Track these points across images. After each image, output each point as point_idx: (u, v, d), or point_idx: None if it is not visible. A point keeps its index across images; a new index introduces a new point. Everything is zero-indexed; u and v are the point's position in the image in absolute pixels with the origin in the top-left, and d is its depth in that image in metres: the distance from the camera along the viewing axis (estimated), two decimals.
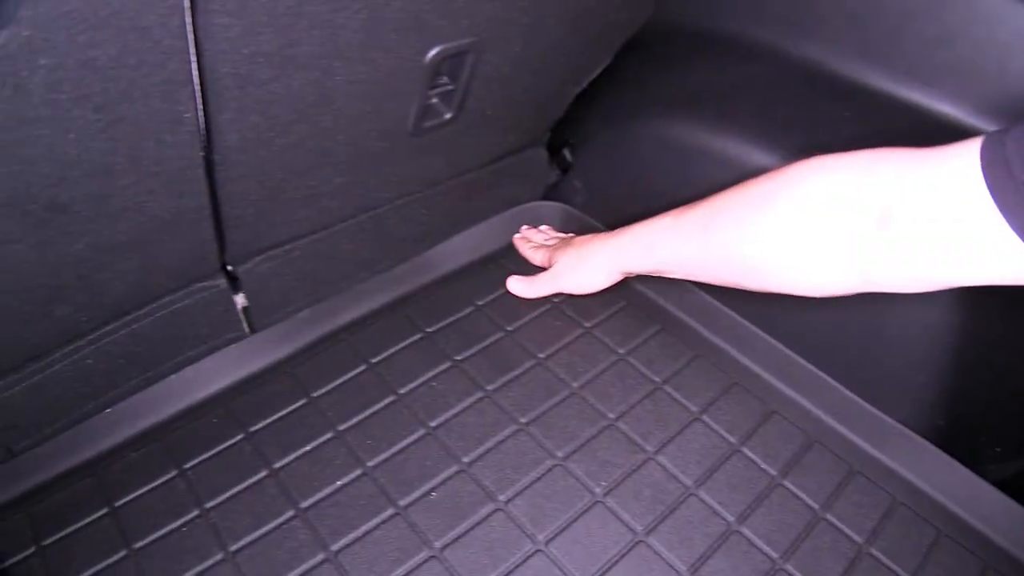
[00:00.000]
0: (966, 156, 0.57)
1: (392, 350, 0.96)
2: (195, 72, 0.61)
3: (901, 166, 0.63)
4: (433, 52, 0.77)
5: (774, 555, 0.78)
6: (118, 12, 0.51)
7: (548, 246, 1.07)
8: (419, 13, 0.71)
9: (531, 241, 1.12)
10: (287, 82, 0.68)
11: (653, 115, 1.08)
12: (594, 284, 0.99)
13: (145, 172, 0.66)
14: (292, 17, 0.62)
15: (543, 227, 1.16)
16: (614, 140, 1.14)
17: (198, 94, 0.63)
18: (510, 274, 1.08)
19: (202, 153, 0.69)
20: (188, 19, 0.56)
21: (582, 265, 0.98)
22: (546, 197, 1.22)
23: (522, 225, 1.17)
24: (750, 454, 0.88)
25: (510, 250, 1.14)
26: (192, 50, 0.59)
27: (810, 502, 0.83)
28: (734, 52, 1.03)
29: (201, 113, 0.65)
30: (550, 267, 1.03)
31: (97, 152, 0.60)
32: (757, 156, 0.95)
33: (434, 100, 0.86)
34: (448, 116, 0.88)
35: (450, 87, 0.85)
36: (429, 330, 1.00)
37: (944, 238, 0.60)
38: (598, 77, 1.08)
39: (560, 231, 1.17)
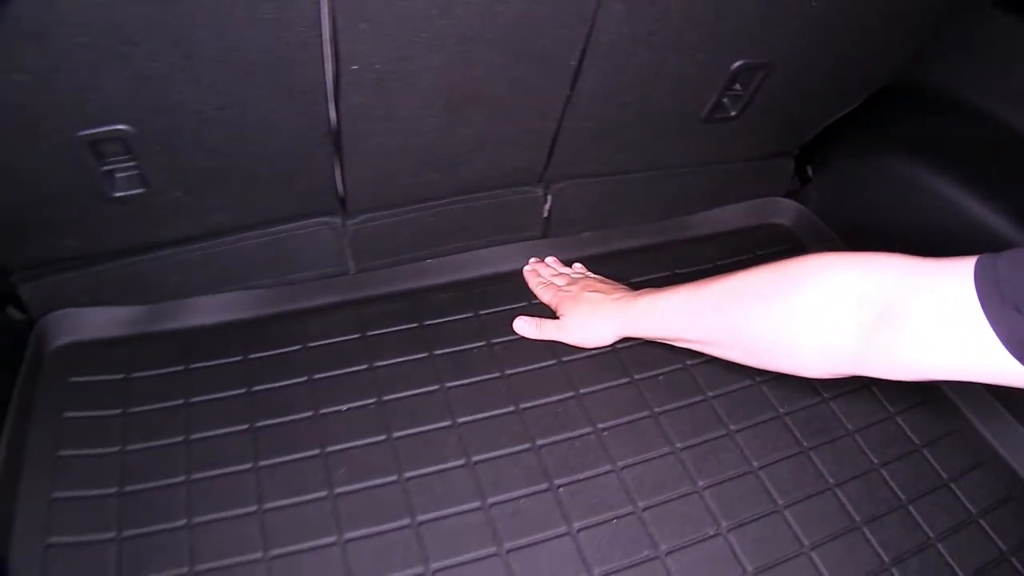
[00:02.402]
0: (963, 270, 0.64)
1: (644, 278, 1.18)
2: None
3: (904, 271, 0.70)
4: (737, 64, 1.03)
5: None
6: None
7: (556, 286, 1.13)
8: (737, 32, 0.97)
9: (540, 276, 1.17)
10: (639, 59, 0.96)
11: (887, 153, 1.26)
12: (599, 342, 1.06)
13: (529, 92, 0.96)
14: (659, 13, 0.89)
15: (549, 259, 1.21)
16: (850, 166, 1.33)
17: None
18: (749, 248, 1.29)
19: (568, 92, 0.98)
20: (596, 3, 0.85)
21: (591, 324, 1.04)
22: (786, 196, 1.43)
23: (756, 215, 1.39)
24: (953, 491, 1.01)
25: (753, 230, 1.38)
26: (589, 27, 0.88)
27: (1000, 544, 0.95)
28: (967, 116, 1.16)
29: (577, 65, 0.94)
30: (558, 314, 1.08)
31: (507, 70, 0.91)
32: (970, 204, 1.12)
33: (725, 100, 1.11)
34: (732, 114, 1.13)
35: (739, 93, 1.10)
36: (678, 271, 1.22)
37: (936, 339, 0.67)
38: (847, 114, 1.27)
39: (792, 228, 1.38)
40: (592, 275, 1.17)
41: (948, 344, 0.66)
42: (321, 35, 0.78)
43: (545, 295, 1.13)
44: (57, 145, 0.82)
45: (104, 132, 0.82)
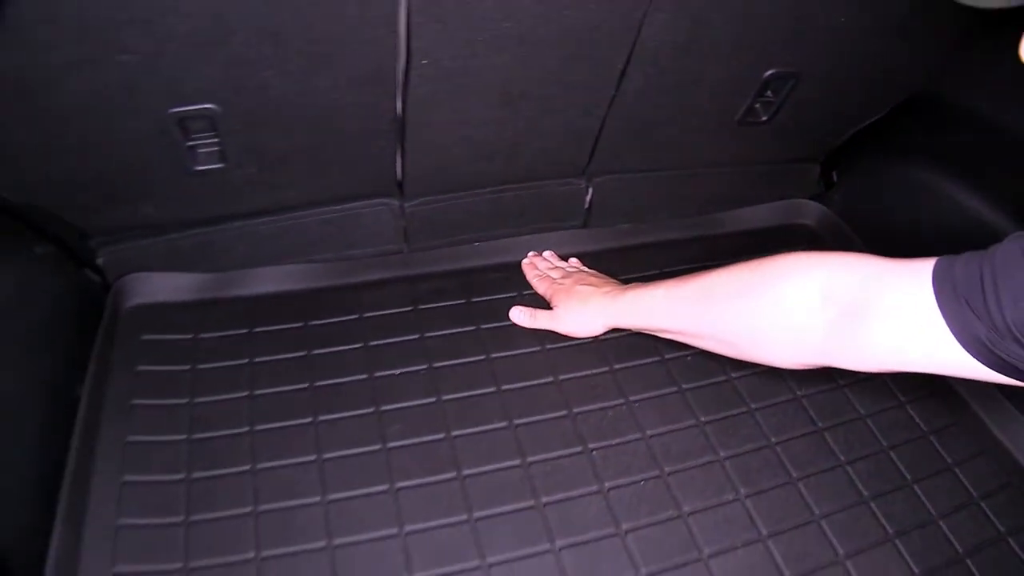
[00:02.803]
0: (922, 272, 0.69)
1: (675, 268, 1.25)
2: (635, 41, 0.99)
3: (868, 271, 0.76)
4: (769, 72, 1.11)
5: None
6: None
7: (551, 278, 1.19)
8: (770, 43, 1.06)
9: (537, 268, 1.23)
10: (680, 65, 1.04)
11: (907, 161, 1.32)
12: (588, 332, 1.12)
13: (578, 91, 1.05)
14: (699, 24, 0.98)
15: (546, 253, 1.27)
16: (872, 172, 1.40)
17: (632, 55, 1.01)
18: (775, 247, 1.32)
19: (613, 92, 1.06)
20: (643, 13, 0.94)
21: (581, 315, 1.11)
22: (811, 199, 1.50)
23: (783, 215, 1.46)
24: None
25: (779, 230, 1.45)
26: (636, 34, 0.97)
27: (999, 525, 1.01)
28: (983, 127, 1.22)
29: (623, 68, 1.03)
30: (552, 304, 1.14)
31: (559, 70, 1.00)
32: (983, 209, 1.19)
33: (757, 105, 1.19)
34: (764, 119, 1.21)
35: (771, 99, 1.18)
36: (707, 264, 1.23)
37: (896, 334, 0.72)
38: (871, 123, 1.34)
39: (815, 229, 1.45)
40: (585, 269, 1.23)
41: (908, 339, 0.72)
42: (397, 32, 0.87)
43: (541, 287, 1.19)
44: (150, 121, 0.91)
45: (193, 110, 0.91)
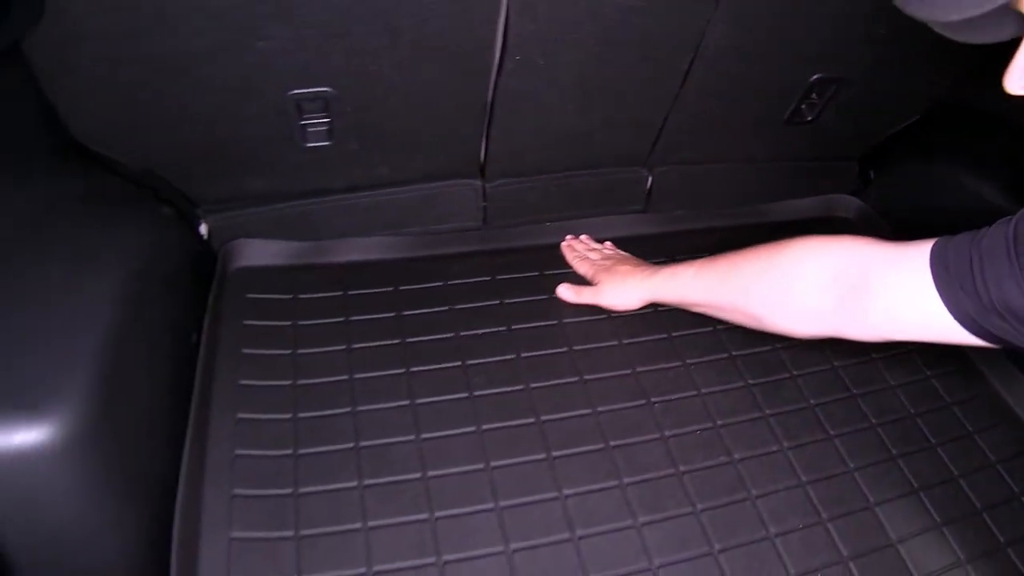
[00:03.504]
0: (920, 256, 0.79)
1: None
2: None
3: (874, 252, 0.86)
4: (815, 76, 1.23)
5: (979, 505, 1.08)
6: None
7: (590, 260, 1.28)
8: (816, 50, 1.18)
9: (575, 250, 1.32)
10: (736, 68, 1.16)
11: (939, 161, 1.41)
12: (627, 306, 1.22)
13: (646, 87, 1.17)
14: (755, 32, 1.10)
15: (583, 236, 1.37)
16: (907, 171, 1.50)
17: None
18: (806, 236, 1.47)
19: (677, 90, 1.18)
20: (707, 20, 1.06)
21: (622, 291, 1.21)
22: (849, 194, 1.59)
23: (823, 209, 1.57)
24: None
25: (819, 222, 1.54)
26: (700, 39, 1.09)
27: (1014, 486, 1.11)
28: (1009, 131, 1.31)
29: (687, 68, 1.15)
30: (594, 282, 1.24)
31: (632, 68, 1.12)
32: (1010, 208, 1.26)
33: (803, 106, 1.30)
34: (808, 119, 1.33)
35: (815, 101, 1.29)
36: None
37: (897, 308, 0.82)
38: (907, 126, 1.44)
39: (853, 222, 1.55)
40: (621, 252, 1.33)
41: (907, 313, 0.82)
42: (496, 30, 0.99)
43: (582, 267, 1.29)
44: (271, 101, 1.03)
45: (311, 92, 1.03)
